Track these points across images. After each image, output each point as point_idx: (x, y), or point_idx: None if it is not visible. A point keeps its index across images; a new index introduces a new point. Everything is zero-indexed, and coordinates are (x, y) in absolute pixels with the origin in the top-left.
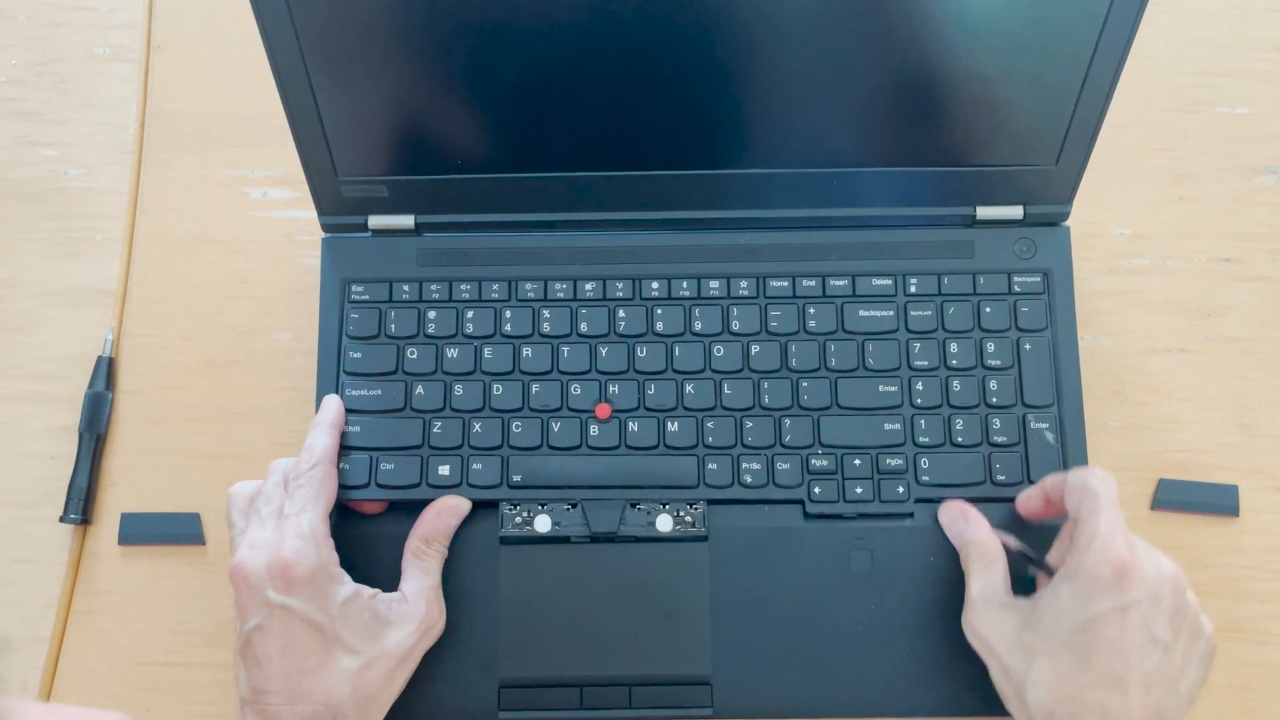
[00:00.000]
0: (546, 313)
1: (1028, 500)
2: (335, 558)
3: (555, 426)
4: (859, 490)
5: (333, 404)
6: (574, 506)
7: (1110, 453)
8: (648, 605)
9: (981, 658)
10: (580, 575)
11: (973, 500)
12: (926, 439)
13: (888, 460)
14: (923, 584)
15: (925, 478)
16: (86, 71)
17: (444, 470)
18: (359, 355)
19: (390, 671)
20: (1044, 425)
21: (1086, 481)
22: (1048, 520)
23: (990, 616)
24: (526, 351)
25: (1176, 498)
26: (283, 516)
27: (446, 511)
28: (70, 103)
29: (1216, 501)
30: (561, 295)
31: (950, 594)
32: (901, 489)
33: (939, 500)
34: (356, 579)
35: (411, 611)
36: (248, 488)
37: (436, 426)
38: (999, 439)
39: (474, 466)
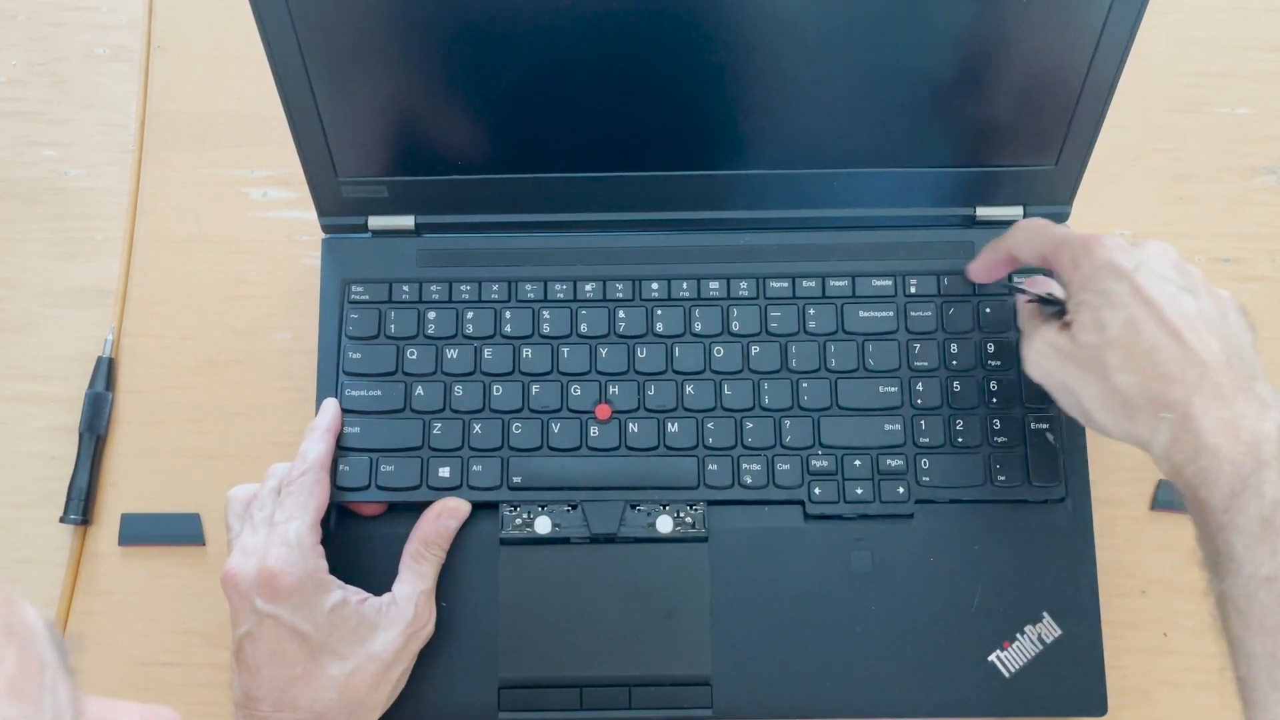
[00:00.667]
0: (546, 313)
1: (979, 270)
2: (324, 565)
3: (555, 427)
4: (859, 491)
5: (329, 408)
6: (574, 508)
7: (1110, 453)
8: (648, 605)
9: (1055, 392)
10: (580, 576)
11: (973, 503)
12: (927, 440)
13: (888, 461)
14: (923, 584)
15: (925, 479)
16: (86, 71)
17: (444, 472)
18: (359, 356)
19: (377, 676)
20: (1044, 426)
21: (1031, 231)
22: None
23: (1061, 341)
24: (526, 352)
25: (1176, 498)
26: (272, 524)
27: (446, 514)
28: (70, 103)
29: None
30: (561, 296)
31: (950, 595)
32: (902, 490)
33: (939, 502)
34: (355, 581)
35: (400, 614)
36: (245, 491)
37: (436, 428)
38: (999, 440)
39: (474, 468)
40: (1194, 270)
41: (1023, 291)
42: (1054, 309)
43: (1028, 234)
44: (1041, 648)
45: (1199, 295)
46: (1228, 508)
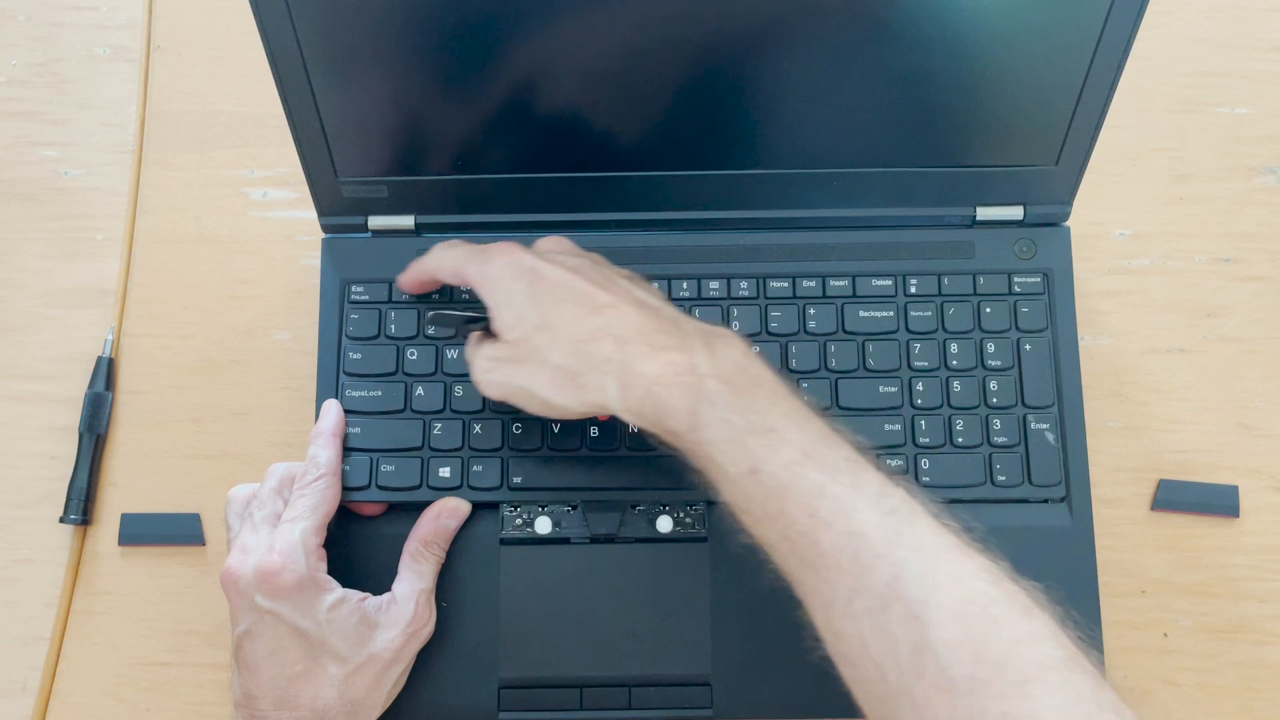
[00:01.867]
0: None
1: (407, 282)
2: (324, 568)
3: (555, 428)
4: None
5: (332, 411)
6: (574, 508)
7: (1110, 453)
8: (648, 605)
9: (515, 401)
10: (580, 576)
11: (974, 501)
12: (927, 440)
13: (888, 461)
14: None
15: (926, 479)
16: (86, 71)
17: (444, 472)
18: (359, 356)
19: (378, 675)
20: (1044, 426)
21: (444, 250)
22: None
23: (497, 352)
24: None
25: (1176, 498)
26: (278, 523)
27: (446, 514)
28: (70, 103)
29: (1216, 501)
30: None
31: None
32: None
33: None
34: (355, 581)
35: (399, 614)
36: (245, 491)
37: (437, 428)
38: (999, 440)
39: (474, 468)
40: (593, 256)
41: (449, 316)
42: (481, 323)
43: (441, 253)
44: None
45: (599, 267)
46: (693, 426)
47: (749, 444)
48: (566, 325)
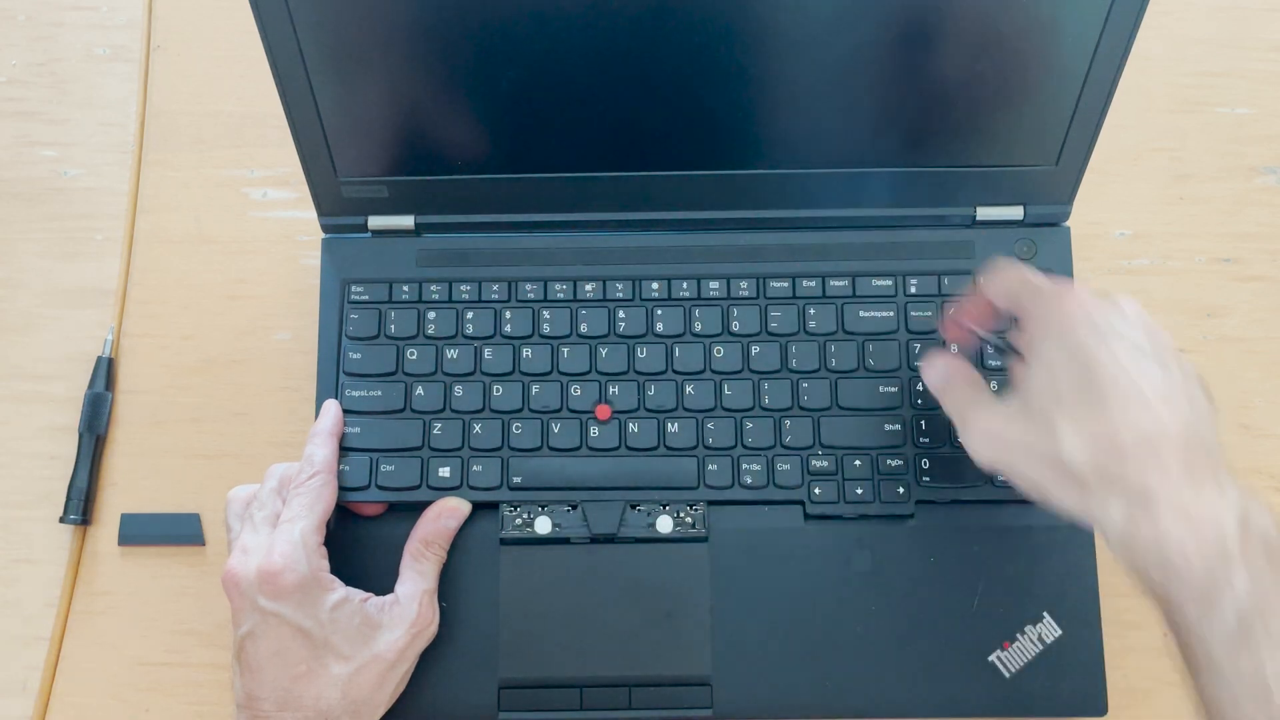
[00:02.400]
0: (546, 313)
1: (957, 325)
2: (326, 566)
3: (555, 428)
4: (859, 491)
5: (331, 410)
6: (574, 508)
7: None
8: (648, 605)
9: (1005, 474)
10: (580, 576)
11: (975, 503)
12: (927, 440)
13: (888, 461)
14: (923, 584)
15: (926, 478)
16: (86, 71)
17: (444, 472)
18: (359, 356)
19: (381, 675)
20: None
21: (1002, 276)
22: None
23: (997, 422)
24: (526, 352)
25: None
26: (277, 523)
27: (446, 514)
28: (70, 103)
29: None
30: (561, 296)
31: (950, 595)
32: (902, 490)
33: (940, 502)
34: (355, 581)
35: (403, 614)
36: (245, 492)
37: (436, 428)
38: None
39: (474, 468)
40: (1164, 336)
41: (990, 343)
42: (1010, 352)
43: (1005, 275)
44: (1041, 648)
45: (1168, 367)
46: (1201, 611)
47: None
48: (1098, 417)
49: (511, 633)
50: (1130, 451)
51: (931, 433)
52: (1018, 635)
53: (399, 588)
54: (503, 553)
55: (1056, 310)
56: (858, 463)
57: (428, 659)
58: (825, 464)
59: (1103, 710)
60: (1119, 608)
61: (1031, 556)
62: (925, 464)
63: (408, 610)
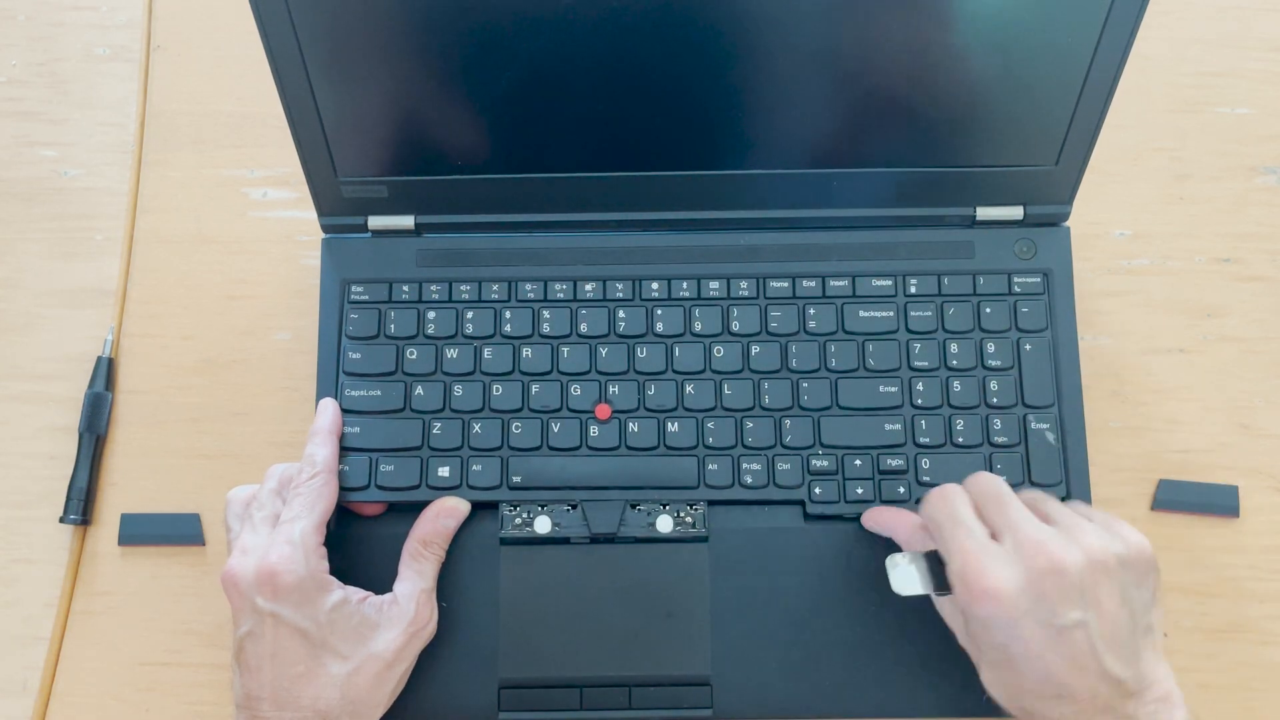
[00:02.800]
0: (546, 313)
1: (874, 521)
2: (325, 566)
3: (555, 427)
4: (859, 491)
5: (329, 410)
6: (574, 507)
7: (1110, 453)
8: (648, 605)
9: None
10: (580, 576)
11: None
12: (927, 439)
13: (888, 460)
14: None
15: (926, 478)
16: (86, 71)
17: (443, 471)
18: (358, 356)
19: (379, 675)
20: (1044, 426)
21: (927, 513)
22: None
23: (947, 610)
24: (526, 352)
25: (1176, 498)
26: (276, 523)
27: (445, 513)
28: (70, 103)
29: (1216, 501)
30: (561, 296)
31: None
32: (903, 489)
33: None
34: (355, 581)
35: (401, 613)
36: (244, 492)
37: (436, 427)
38: (1000, 439)
39: (474, 467)
40: (1094, 576)
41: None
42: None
43: (930, 525)
44: None
45: (1092, 620)
46: None
47: None
48: (1010, 680)
49: (511, 633)
50: (1039, 707)
51: (932, 432)
52: None
53: (397, 587)
54: (503, 553)
55: (965, 591)
56: (858, 462)
57: (428, 659)
58: (825, 463)
59: None
60: None
61: None
62: (926, 464)
63: (405, 610)
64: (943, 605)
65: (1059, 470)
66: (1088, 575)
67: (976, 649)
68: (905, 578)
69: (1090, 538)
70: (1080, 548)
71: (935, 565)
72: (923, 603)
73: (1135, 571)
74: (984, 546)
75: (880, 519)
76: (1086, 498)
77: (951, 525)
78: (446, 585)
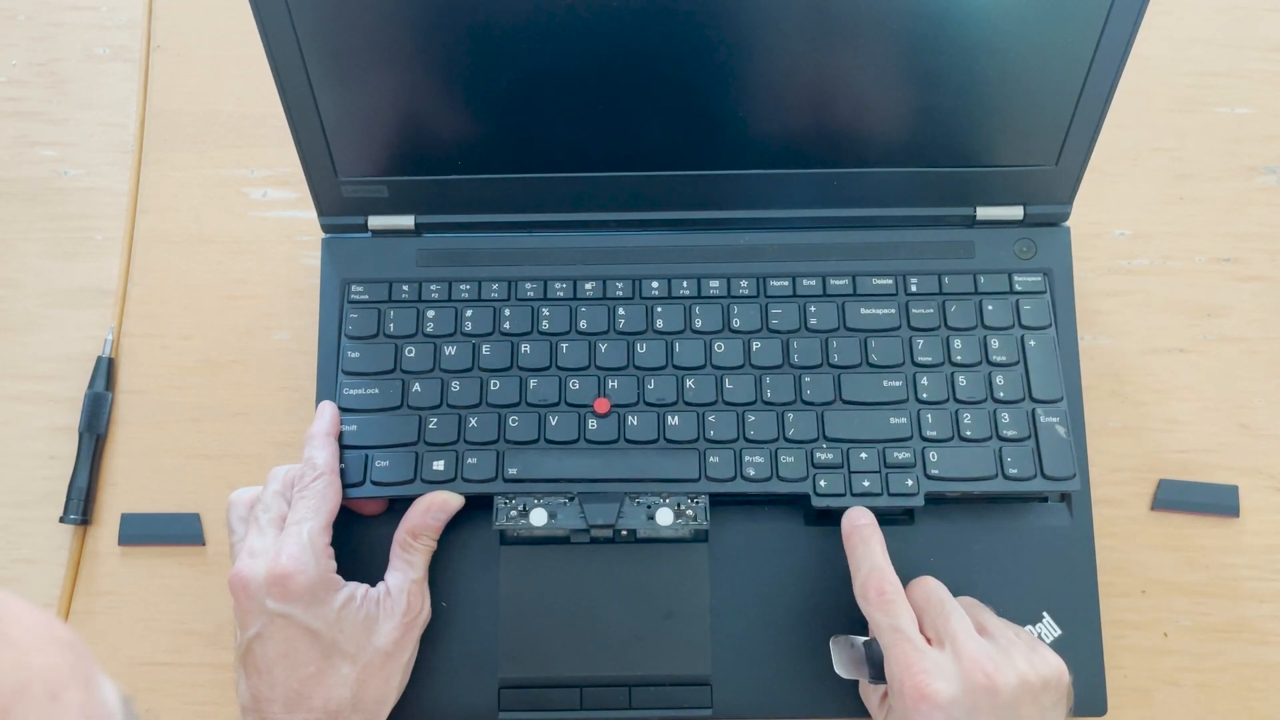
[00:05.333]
0: (546, 311)
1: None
2: (333, 566)
3: (552, 420)
4: (866, 484)
5: (326, 412)
6: (571, 500)
7: (1110, 453)
8: (648, 605)
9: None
10: (580, 575)
11: (986, 495)
12: (934, 433)
13: (895, 454)
14: None
15: (935, 471)
16: (86, 71)
17: (438, 465)
18: (357, 355)
19: (383, 666)
20: (1054, 419)
21: (867, 610)
22: None
23: (871, 698)
24: (525, 348)
25: (1176, 498)
26: (283, 526)
27: (435, 507)
28: (70, 103)
29: (1216, 501)
30: (561, 294)
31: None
32: (910, 482)
33: (948, 494)
34: (357, 579)
35: (394, 606)
36: (247, 494)
37: (432, 422)
38: (1009, 433)
39: (469, 461)
40: (1016, 697)
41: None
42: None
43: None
44: None
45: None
46: None
47: None
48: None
49: (511, 633)
50: None
51: (939, 426)
52: None
53: (389, 578)
54: (503, 553)
55: (900, 693)
56: (864, 455)
57: (427, 659)
58: (830, 456)
59: (1103, 710)
60: (1119, 608)
61: (1031, 556)
62: (934, 457)
63: (398, 602)
64: (866, 691)
65: (1072, 463)
66: (1017, 695)
67: None
68: (847, 662)
69: (1021, 660)
70: (1014, 669)
71: (871, 653)
72: None
73: (1055, 693)
74: (925, 653)
75: (847, 536)
76: (1087, 497)
77: (891, 632)
78: (446, 585)
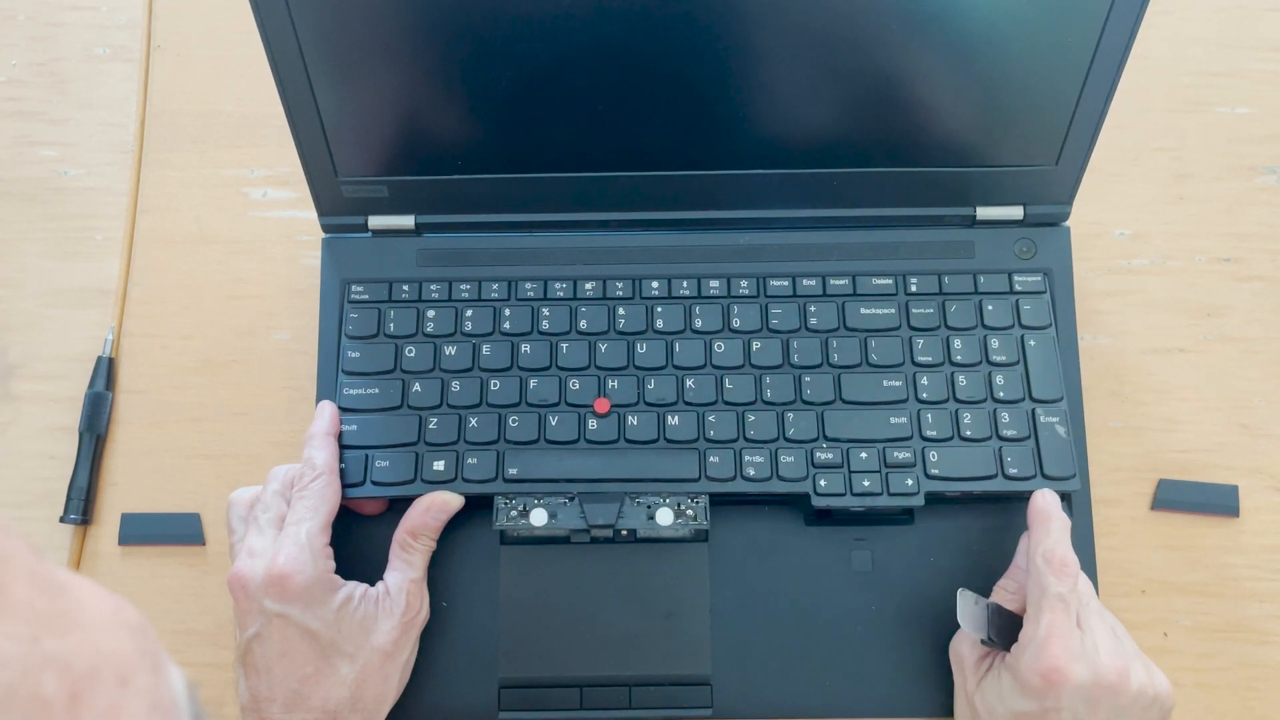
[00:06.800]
0: (546, 311)
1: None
2: (332, 566)
3: (552, 420)
4: (866, 483)
5: (326, 412)
6: (571, 500)
7: (1110, 453)
8: (648, 605)
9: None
10: (580, 575)
11: (986, 495)
12: (934, 433)
13: (895, 453)
14: (923, 584)
15: (935, 470)
16: (86, 71)
17: (438, 465)
18: (357, 355)
19: (382, 666)
20: (1054, 419)
21: (1041, 572)
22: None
23: (966, 654)
24: (525, 348)
25: (1176, 498)
26: (282, 526)
27: (435, 508)
28: (70, 103)
29: (1216, 501)
30: (561, 294)
31: (950, 595)
32: (910, 481)
33: (948, 494)
34: (355, 579)
35: (393, 606)
36: (247, 494)
37: (432, 423)
38: (1009, 433)
39: (469, 461)
40: (1131, 706)
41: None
42: (996, 644)
43: (1035, 576)
44: None
45: None
46: None
47: None
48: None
49: (511, 632)
50: None
51: (939, 426)
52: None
53: (388, 577)
54: (503, 552)
55: (1031, 660)
56: (864, 455)
57: (428, 659)
58: (830, 456)
59: None
60: (1119, 608)
61: None
62: (934, 456)
63: (397, 602)
64: (962, 648)
65: (1072, 462)
66: (1135, 701)
67: (988, 708)
68: (971, 617)
69: (1144, 671)
70: (1139, 677)
71: (996, 617)
72: (923, 603)
73: (1160, 710)
74: (1074, 634)
75: (1038, 511)
76: (1087, 497)
77: (1057, 601)
78: (446, 585)
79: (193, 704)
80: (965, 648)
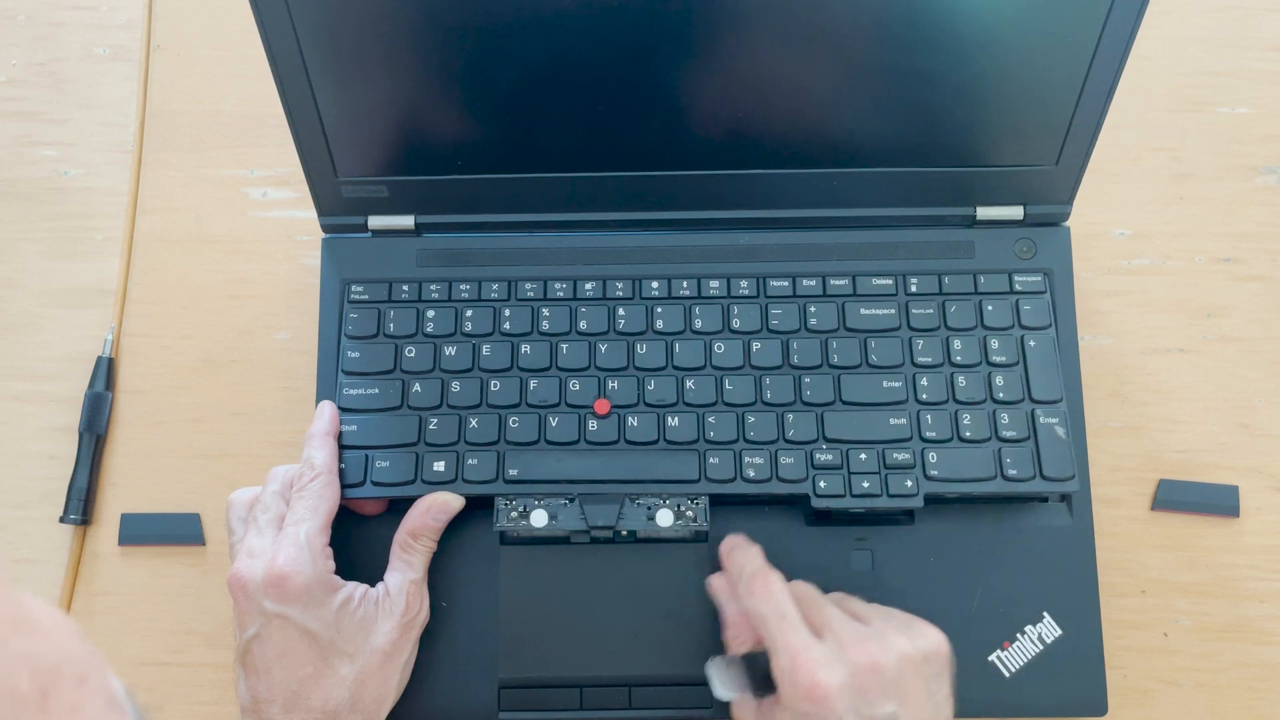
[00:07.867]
0: (546, 311)
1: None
2: (331, 567)
3: (553, 421)
4: (865, 484)
5: (325, 412)
6: (571, 501)
7: (1110, 453)
8: (648, 605)
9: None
10: (580, 575)
11: (985, 496)
12: (934, 434)
13: (894, 454)
14: (922, 585)
15: (934, 471)
16: (86, 71)
17: (438, 466)
18: (357, 355)
19: (382, 667)
20: (1054, 420)
21: (751, 605)
22: None
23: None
24: (525, 349)
25: (1176, 498)
26: (281, 526)
27: (435, 509)
28: (70, 103)
29: (1216, 501)
30: (561, 294)
31: (950, 595)
32: (910, 483)
33: (948, 495)
34: (355, 580)
35: (393, 607)
36: (247, 494)
37: (432, 423)
38: (1008, 434)
39: (469, 462)
40: (899, 673)
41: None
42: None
43: (751, 615)
44: (1042, 648)
45: (907, 711)
46: None
47: None
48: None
49: (511, 632)
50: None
51: (938, 427)
52: (1018, 635)
53: (388, 578)
54: (503, 553)
55: (791, 688)
56: (863, 456)
57: (427, 659)
58: (830, 457)
59: (1103, 710)
60: (1119, 608)
61: (1031, 556)
62: (933, 457)
63: (397, 603)
64: (744, 710)
65: (1071, 464)
66: (901, 669)
67: None
68: (729, 682)
69: (899, 637)
70: (893, 646)
71: (751, 667)
72: (922, 604)
73: (936, 665)
74: (811, 644)
75: (715, 589)
76: (1087, 497)
77: (778, 620)
78: (446, 585)
79: (133, 706)
80: (746, 714)
